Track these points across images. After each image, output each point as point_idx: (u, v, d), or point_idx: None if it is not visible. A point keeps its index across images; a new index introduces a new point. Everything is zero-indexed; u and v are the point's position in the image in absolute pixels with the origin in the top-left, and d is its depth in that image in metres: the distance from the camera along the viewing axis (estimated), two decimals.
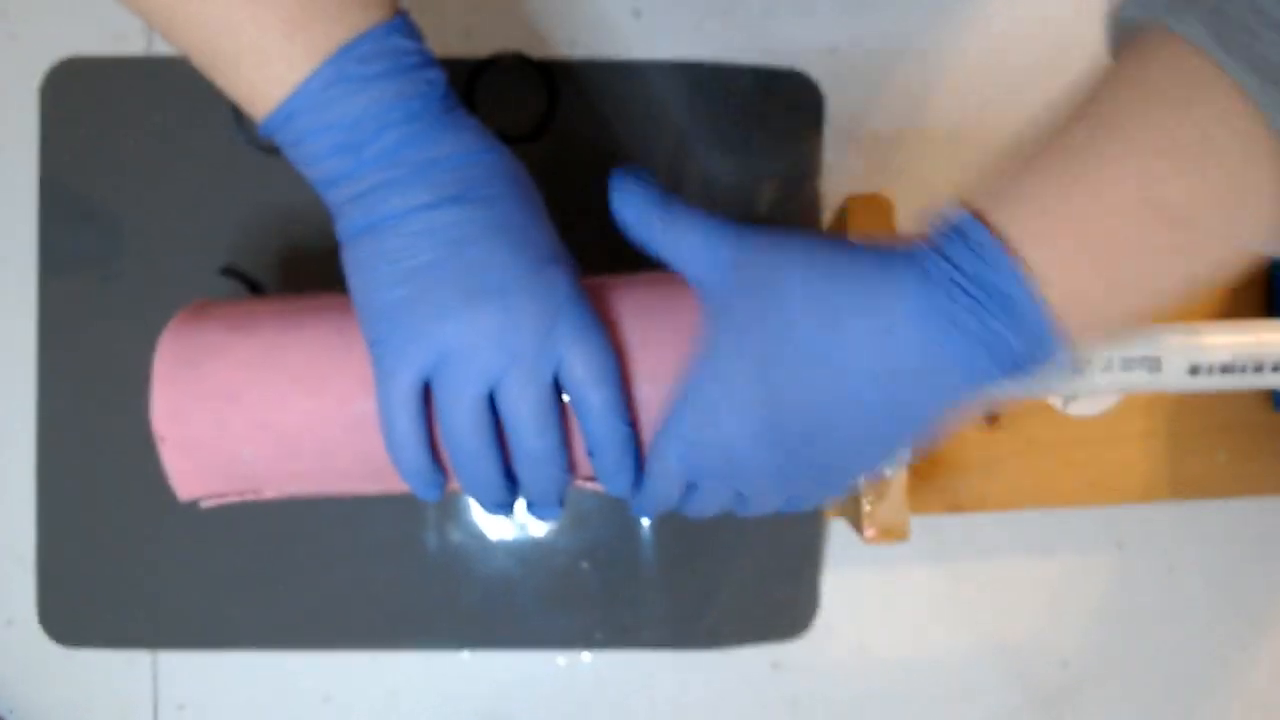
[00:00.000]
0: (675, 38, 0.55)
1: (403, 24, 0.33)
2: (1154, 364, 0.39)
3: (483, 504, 0.36)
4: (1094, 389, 0.40)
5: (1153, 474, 0.56)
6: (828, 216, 0.55)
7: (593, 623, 0.55)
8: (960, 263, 0.29)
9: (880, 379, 0.31)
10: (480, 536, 0.55)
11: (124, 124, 0.54)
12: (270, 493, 0.38)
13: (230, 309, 0.39)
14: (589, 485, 0.37)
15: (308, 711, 0.56)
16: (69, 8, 0.55)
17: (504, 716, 0.57)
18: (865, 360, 0.30)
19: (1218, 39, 0.27)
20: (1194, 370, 0.39)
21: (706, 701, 0.57)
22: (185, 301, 0.40)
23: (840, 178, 0.56)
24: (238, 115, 0.54)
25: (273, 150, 0.53)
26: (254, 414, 0.36)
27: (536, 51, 0.54)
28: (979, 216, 0.29)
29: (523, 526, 0.55)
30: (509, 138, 0.53)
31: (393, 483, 0.37)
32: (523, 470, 0.34)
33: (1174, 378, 0.39)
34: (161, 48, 0.55)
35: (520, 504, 0.37)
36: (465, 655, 0.56)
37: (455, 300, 0.32)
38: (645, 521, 0.54)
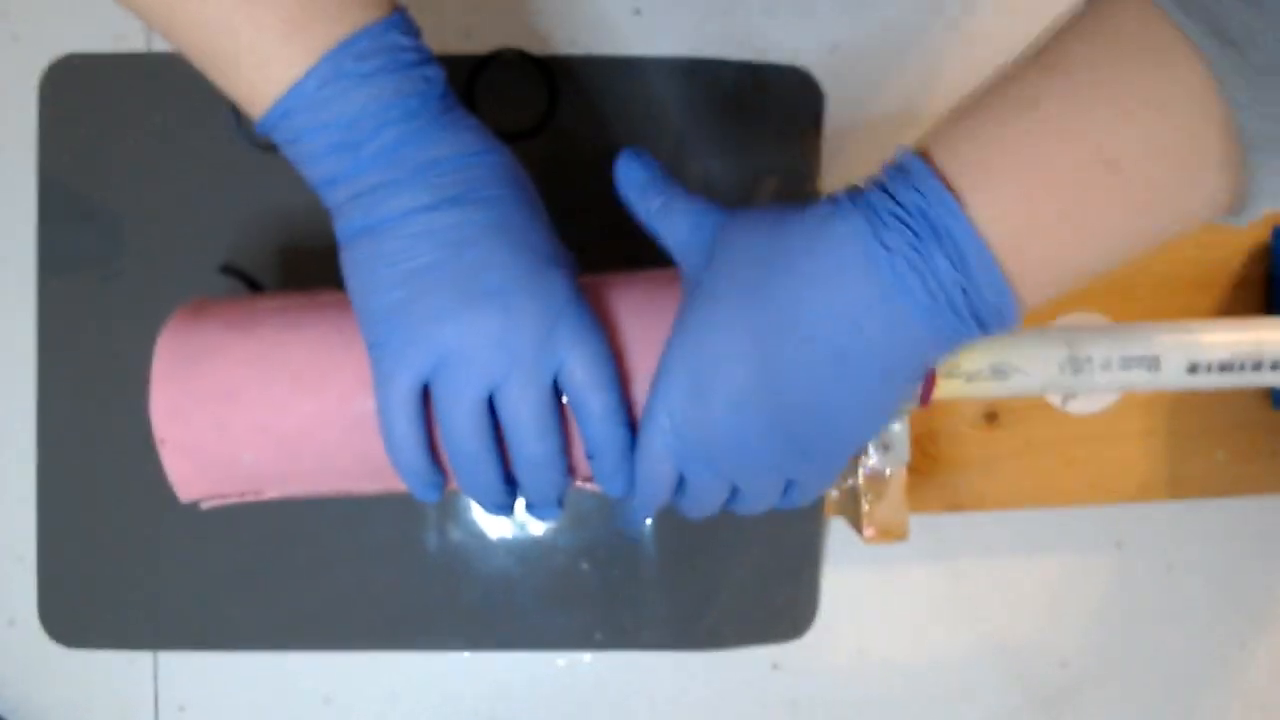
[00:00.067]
0: (675, 35, 0.55)
1: (401, 20, 0.33)
2: (1153, 362, 0.39)
3: (482, 505, 0.36)
4: (1092, 387, 0.40)
5: (1152, 473, 0.56)
6: None
7: (593, 623, 0.55)
8: (900, 197, 0.30)
9: (843, 321, 0.30)
10: (480, 536, 0.55)
11: (124, 123, 0.54)
12: (271, 493, 0.38)
13: (229, 307, 0.39)
14: (589, 486, 0.37)
15: (308, 712, 0.56)
16: (69, 7, 0.55)
17: (504, 717, 0.57)
18: (825, 303, 0.30)
19: (1178, 1, 0.27)
20: (1193, 369, 0.39)
21: (706, 702, 0.57)
22: (185, 300, 0.40)
23: (840, 176, 0.56)
24: (238, 114, 0.54)
25: (272, 149, 0.53)
26: (254, 416, 0.36)
27: (537, 49, 0.54)
28: (924, 155, 0.30)
29: (523, 526, 0.55)
30: (509, 135, 0.53)
31: (393, 482, 0.37)
32: (522, 473, 0.34)
33: (1173, 376, 0.39)
34: (161, 46, 0.55)
35: (520, 503, 0.37)
36: (465, 655, 0.56)
37: (455, 303, 0.32)
38: (648, 521, 0.54)
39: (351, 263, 0.33)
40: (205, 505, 0.38)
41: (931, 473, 0.55)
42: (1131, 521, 0.59)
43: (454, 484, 0.36)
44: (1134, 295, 0.55)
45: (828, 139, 0.56)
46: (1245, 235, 0.56)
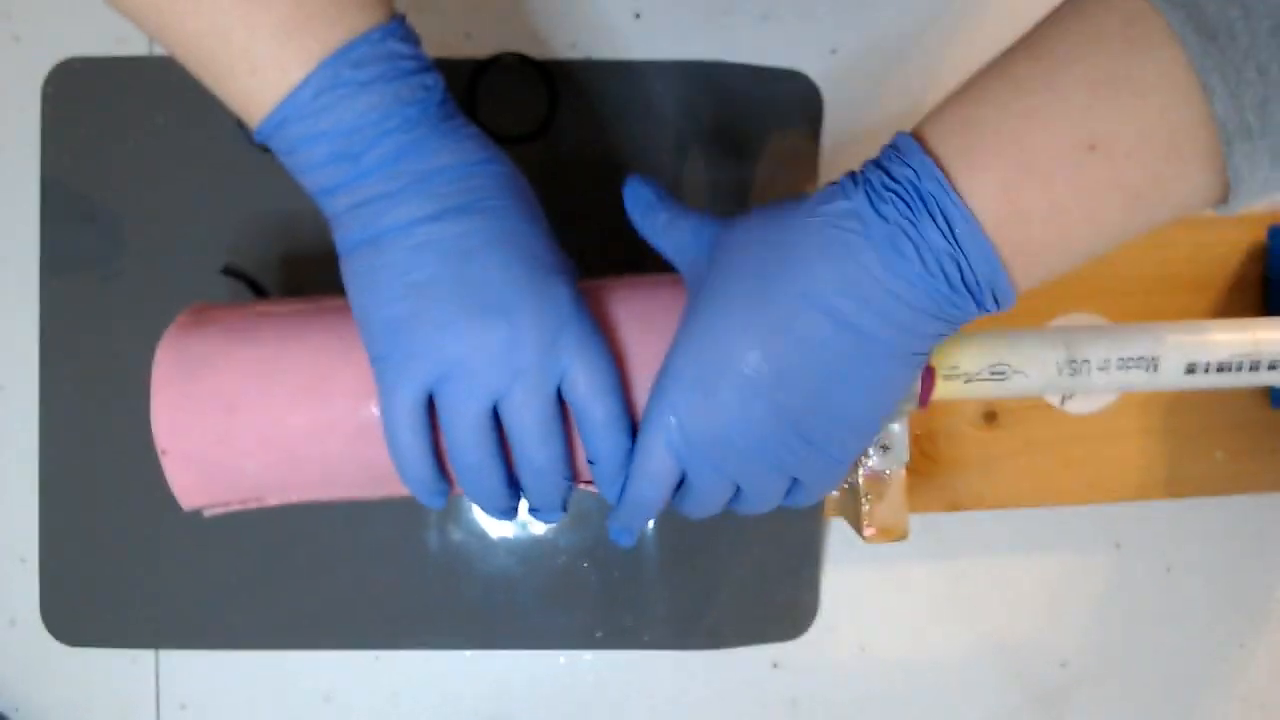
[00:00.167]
0: (675, 39, 0.55)
1: (399, 27, 0.32)
2: (1151, 363, 0.39)
3: (486, 510, 0.36)
4: (1091, 388, 0.40)
5: (1150, 472, 0.56)
6: None
7: (593, 622, 0.55)
8: (893, 171, 0.31)
9: (849, 295, 0.30)
10: (481, 535, 0.55)
11: (125, 124, 0.54)
12: (273, 501, 0.38)
13: (229, 314, 0.38)
14: (591, 488, 0.37)
15: (309, 711, 0.56)
16: (71, 9, 0.55)
17: (505, 716, 0.57)
18: (830, 277, 0.31)
19: None
20: (1191, 369, 0.40)
21: (707, 701, 0.57)
22: (186, 301, 0.39)
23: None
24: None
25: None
26: (256, 426, 0.36)
27: (537, 52, 0.55)
28: (917, 136, 0.31)
29: (524, 525, 0.55)
30: (509, 138, 0.54)
31: (396, 488, 0.37)
32: (526, 479, 0.35)
33: (1171, 376, 0.40)
34: (163, 49, 0.55)
35: (523, 505, 0.37)
36: (466, 654, 0.56)
37: (458, 316, 0.32)
38: (648, 526, 0.55)
39: (353, 274, 0.33)
40: (208, 513, 0.38)
41: (931, 473, 0.55)
42: (1130, 521, 0.59)
43: (459, 489, 0.36)
44: (1132, 296, 0.55)
45: (826, 143, 0.56)
46: (1242, 236, 0.56)
